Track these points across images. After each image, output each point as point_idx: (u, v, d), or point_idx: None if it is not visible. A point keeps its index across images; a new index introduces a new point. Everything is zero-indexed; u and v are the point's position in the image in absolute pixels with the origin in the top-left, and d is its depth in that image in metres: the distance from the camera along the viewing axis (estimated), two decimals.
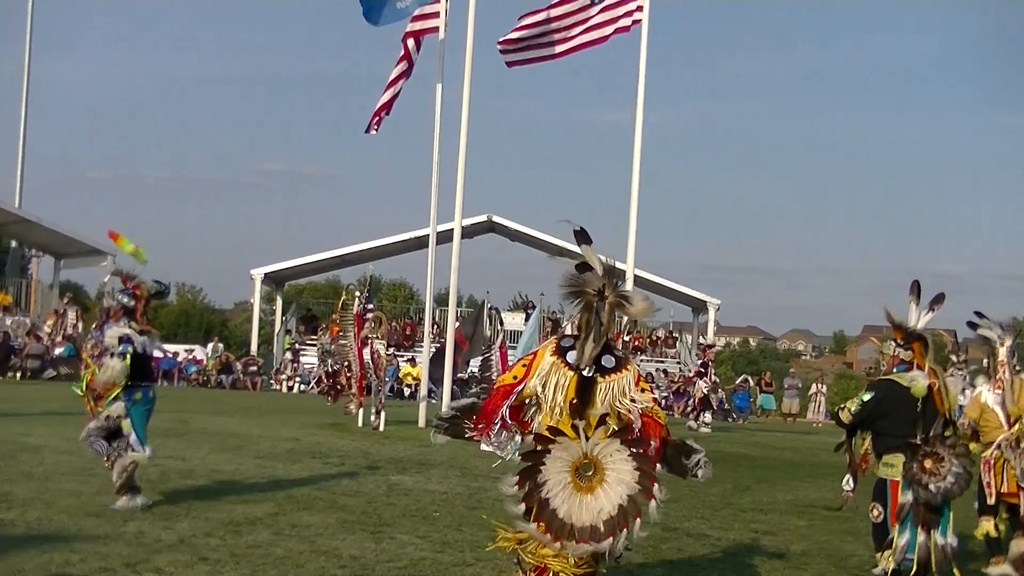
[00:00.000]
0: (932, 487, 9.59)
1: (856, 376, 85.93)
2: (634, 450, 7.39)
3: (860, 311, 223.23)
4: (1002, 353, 11.40)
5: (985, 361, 11.75)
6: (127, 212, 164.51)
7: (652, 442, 7.65)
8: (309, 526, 11.60)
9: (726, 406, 45.65)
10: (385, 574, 9.55)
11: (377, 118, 26.57)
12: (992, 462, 11.27)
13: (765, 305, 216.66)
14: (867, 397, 10.14)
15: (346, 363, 24.95)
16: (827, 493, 17.41)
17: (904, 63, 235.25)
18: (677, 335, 54.42)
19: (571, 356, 7.67)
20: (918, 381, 9.95)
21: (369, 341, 24.58)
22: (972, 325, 11.61)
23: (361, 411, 24.52)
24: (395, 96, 26.38)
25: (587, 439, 7.29)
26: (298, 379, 47.50)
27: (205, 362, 48.66)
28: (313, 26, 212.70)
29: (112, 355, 12.52)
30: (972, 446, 11.13)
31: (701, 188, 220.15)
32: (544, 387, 7.61)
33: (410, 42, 26.16)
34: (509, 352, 25.82)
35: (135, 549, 9.96)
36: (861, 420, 10.23)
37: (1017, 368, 11.55)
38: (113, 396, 12.69)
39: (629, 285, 25.57)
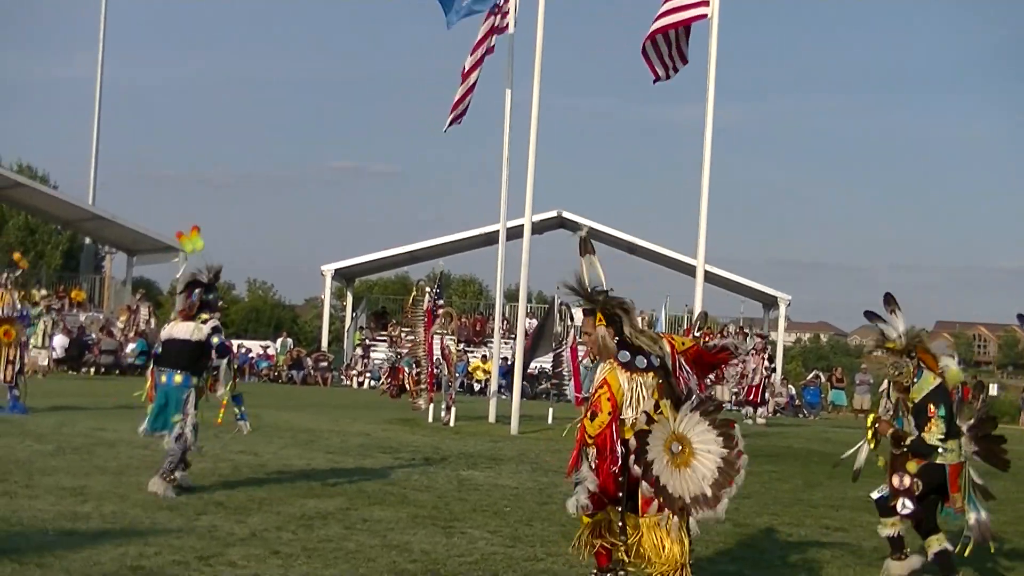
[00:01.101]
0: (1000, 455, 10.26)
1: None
2: (713, 417, 8.13)
3: (932, 306, 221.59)
4: None
5: None
6: (198, 209, 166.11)
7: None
8: (380, 521, 11.63)
9: (797, 402, 45.40)
10: (456, 569, 9.56)
11: (455, 117, 26.51)
12: None
13: (836, 301, 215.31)
14: (943, 412, 10.15)
15: (415, 359, 24.98)
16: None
17: (977, 57, 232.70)
18: (748, 330, 54.20)
19: (640, 361, 8.38)
20: (951, 367, 10.40)
21: (439, 337, 24.64)
22: None
23: (431, 407, 24.56)
24: (470, 91, 26.29)
25: (673, 419, 8.09)
26: (368, 375, 47.65)
27: (275, 358, 48.93)
28: (381, 25, 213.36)
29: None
30: None
31: (772, 183, 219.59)
32: (632, 403, 8.33)
33: (481, 30, 26.06)
34: (580, 349, 25.80)
35: (208, 543, 10.02)
36: (948, 426, 10.18)
37: None
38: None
39: (699, 280, 25.52)
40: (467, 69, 26.18)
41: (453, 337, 25.67)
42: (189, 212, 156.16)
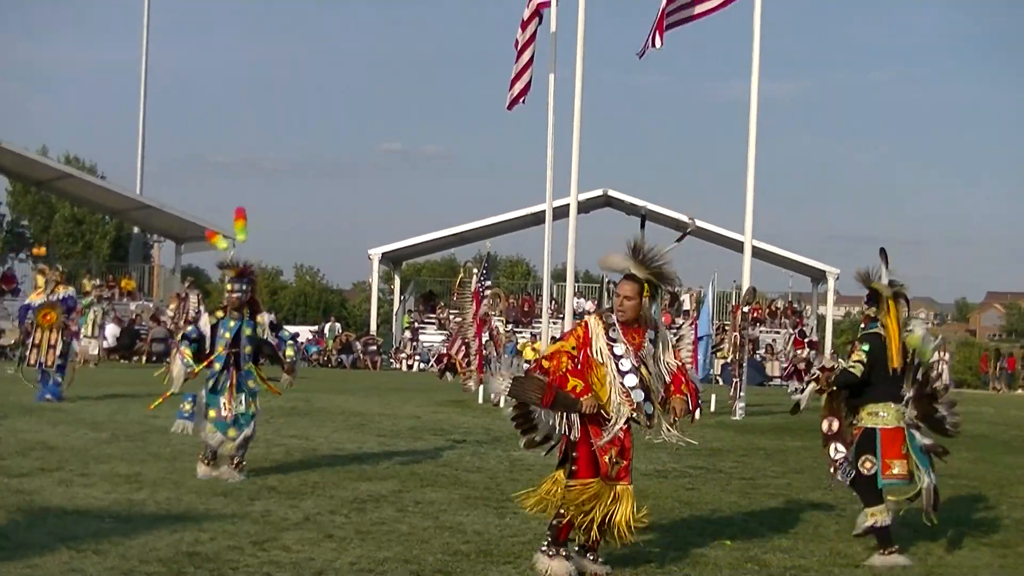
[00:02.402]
0: (948, 425, 10.33)
1: (979, 343, 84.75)
2: None
3: (983, 278, 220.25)
4: None
5: None
6: (245, 195, 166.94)
7: None
8: (433, 502, 11.66)
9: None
10: (509, 549, 9.56)
11: (518, 95, 26.44)
12: None
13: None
14: (867, 347, 10.20)
15: (464, 340, 24.99)
16: (955, 463, 17.12)
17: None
18: (798, 305, 53.99)
19: None
20: (915, 332, 10.32)
21: (488, 318, 24.65)
22: None
23: (482, 388, 24.57)
24: (527, 67, 26.18)
25: None
26: (417, 357, 47.77)
27: (325, 342, 49.11)
28: (426, 5, 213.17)
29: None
30: None
31: (820, 158, 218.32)
32: None
33: (530, 4, 25.97)
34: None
35: (262, 527, 10.07)
36: (867, 370, 10.18)
37: None
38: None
39: (747, 256, 25.43)
40: (521, 45, 26.10)
41: (501, 318, 25.69)
42: (236, 199, 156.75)
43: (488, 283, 25.30)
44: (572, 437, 8.74)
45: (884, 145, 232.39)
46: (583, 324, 8.99)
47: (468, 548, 9.55)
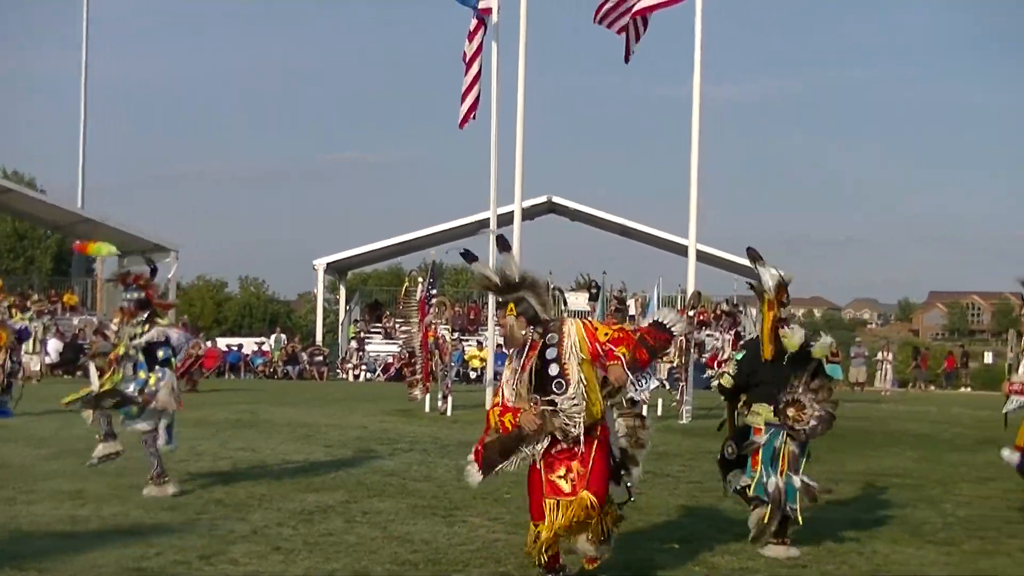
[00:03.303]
0: (798, 427, 10.21)
1: (923, 343, 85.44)
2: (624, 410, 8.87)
3: (925, 279, 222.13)
4: None
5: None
6: (189, 208, 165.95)
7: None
8: (381, 512, 11.64)
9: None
10: (458, 557, 9.56)
11: (471, 112, 26.35)
12: None
13: (830, 275, 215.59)
14: (739, 357, 10.68)
15: (410, 349, 24.96)
16: (899, 461, 17.33)
17: (957, 31, 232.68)
18: (741, 308, 54.17)
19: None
20: (795, 336, 10.35)
21: (434, 326, 24.63)
22: None
23: (428, 397, 24.55)
24: (476, 80, 26.11)
25: None
26: (364, 367, 47.66)
27: (271, 354, 48.95)
28: (370, 15, 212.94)
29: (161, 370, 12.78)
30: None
31: (763, 160, 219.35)
32: None
33: (472, 22, 25.93)
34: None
35: (209, 541, 10.02)
36: (741, 378, 10.52)
37: None
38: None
39: (691, 260, 25.51)
40: (469, 57, 26.04)
41: (447, 326, 25.67)
42: (181, 212, 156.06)
43: (434, 292, 25.27)
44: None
45: (825, 148, 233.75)
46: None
47: (416, 558, 9.55)
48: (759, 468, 10.26)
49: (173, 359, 12.91)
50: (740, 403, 10.73)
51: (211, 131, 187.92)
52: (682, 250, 32.38)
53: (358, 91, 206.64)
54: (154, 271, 13.63)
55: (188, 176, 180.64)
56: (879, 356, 47.82)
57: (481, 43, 25.84)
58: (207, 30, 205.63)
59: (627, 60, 25.20)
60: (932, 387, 52.03)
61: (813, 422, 10.27)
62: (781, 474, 10.27)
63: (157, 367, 12.82)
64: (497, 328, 8.97)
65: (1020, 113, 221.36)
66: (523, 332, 8.60)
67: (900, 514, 12.45)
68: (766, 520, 10.14)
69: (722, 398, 10.90)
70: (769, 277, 10.58)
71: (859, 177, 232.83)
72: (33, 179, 75.62)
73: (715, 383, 10.71)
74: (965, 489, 14.26)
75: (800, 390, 10.23)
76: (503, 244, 9.24)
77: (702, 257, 34.77)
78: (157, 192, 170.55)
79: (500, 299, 8.81)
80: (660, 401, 25.18)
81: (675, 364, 26.89)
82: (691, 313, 24.96)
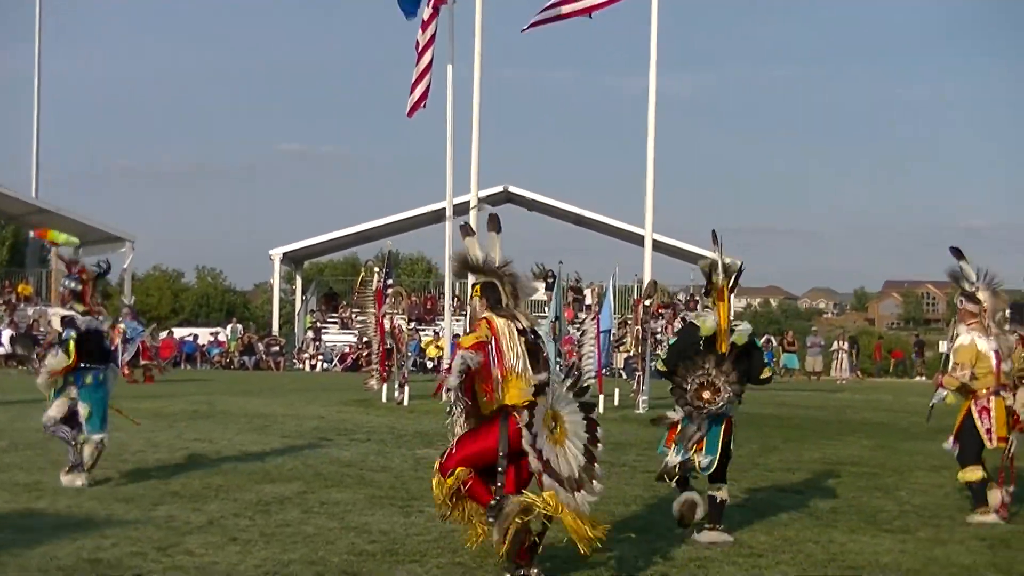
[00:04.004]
0: (705, 409, 10.24)
1: (878, 332, 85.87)
2: (580, 399, 8.36)
3: (881, 268, 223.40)
4: (985, 300, 11.62)
5: (960, 303, 11.91)
6: (145, 199, 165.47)
7: None
8: (338, 503, 11.62)
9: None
10: (415, 547, 9.56)
11: (418, 101, 26.35)
12: (991, 408, 11.59)
13: (786, 265, 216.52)
14: (672, 341, 10.88)
15: (365, 339, 24.92)
16: (855, 450, 17.42)
17: (919, 22, 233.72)
18: (699, 298, 54.34)
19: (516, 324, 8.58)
20: (707, 320, 10.46)
21: (390, 316, 24.60)
22: (957, 255, 11.85)
23: (385, 387, 24.52)
24: (426, 71, 26.11)
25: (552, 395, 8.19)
26: (321, 357, 47.60)
27: (227, 344, 48.81)
28: (326, 6, 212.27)
29: (56, 345, 12.72)
30: (950, 397, 11.92)
31: (720, 152, 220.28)
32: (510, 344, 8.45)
33: (426, 12, 25.92)
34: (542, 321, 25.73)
35: (165, 533, 9.99)
36: (672, 363, 10.53)
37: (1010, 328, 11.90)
38: (63, 382, 12.84)
39: (648, 250, 25.57)
40: (421, 47, 26.03)
41: (404, 316, 25.63)
42: (137, 203, 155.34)
43: (390, 282, 25.24)
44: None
45: (784, 139, 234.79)
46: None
47: (374, 548, 9.54)
48: (672, 445, 10.44)
49: (71, 342, 12.80)
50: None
51: (167, 123, 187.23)
52: (639, 240, 32.42)
53: (316, 81, 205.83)
54: (102, 274, 13.49)
55: (144, 167, 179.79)
56: (835, 345, 48.07)
57: (434, 33, 25.87)
58: (160, 23, 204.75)
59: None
60: (869, 377, 52.20)
61: (721, 403, 10.28)
62: (695, 453, 10.36)
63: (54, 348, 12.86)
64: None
65: (966, 106, 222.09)
66: (483, 315, 8.65)
67: (856, 503, 12.52)
68: (688, 505, 10.32)
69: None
70: (721, 267, 10.72)
71: (811, 170, 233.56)
72: None
73: (627, 355, 10.91)
74: (920, 477, 14.35)
75: (713, 373, 10.28)
76: (495, 224, 9.23)
77: (658, 247, 34.90)
78: (112, 183, 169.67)
79: (473, 278, 8.92)
80: (617, 391, 25.23)
81: (632, 354, 26.95)
82: (647, 303, 25.00)
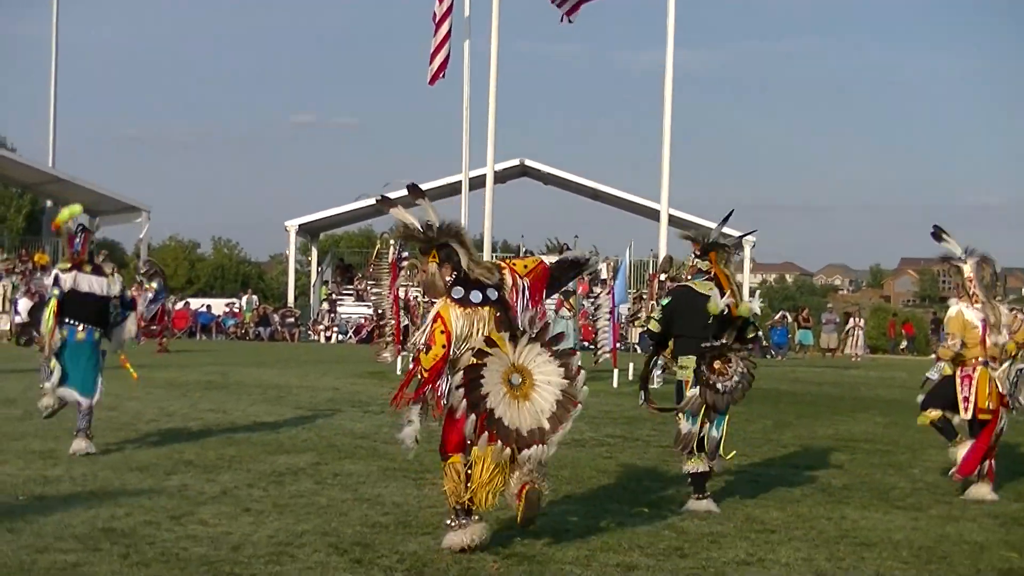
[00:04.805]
0: (719, 386, 10.37)
1: (893, 309, 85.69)
2: (553, 347, 8.42)
3: (897, 245, 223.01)
4: (968, 271, 11.67)
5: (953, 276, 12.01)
6: (160, 168, 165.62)
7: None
8: (351, 474, 11.64)
9: (764, 343, 45.55)
10: (428, 519, 9.57)
11: (440, 70, 26.28)
12: (975, 378, 11.62)
13: (801, 241, 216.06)
14: (665, 303, 10.84)
15: (380, 311, 24.93)
16: (868, 427, 17.40)
17: None
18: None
19: (475, 296, 8.62)
20: (717, 302, 10.48)
21: (405, 289, 24.60)
22: (937, 236, 11.84)
23: (399, 359, 24.53)
24: (445, 40, 26.03)
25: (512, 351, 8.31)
26: (335, 329, 47.63)
27: (242, 315, 48.87)
28: None
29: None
30: (947, 367, 12.07)
31: (737, 126, 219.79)
32: (465, 338, 8.52)
33: None
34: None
35: (179, 502, 10.02)
36: (664, 324, 10.70)
37: (997, 296, 11.88)
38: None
39: (663, 224, 25.53)
40: (439, 17, 25.96)
41: (419, 289, 25.59)
42: (151, 172, 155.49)
43: (405, 254, 25.22)
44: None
45: (799, 113, 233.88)
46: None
47: (387, 520, 9.56)
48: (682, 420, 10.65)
49: (53, 299, 12.95)
50: (667, 352, 10.96)
51: (184, 92, 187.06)
52: (655, 214, 32.40)
53: (330, 52, 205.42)
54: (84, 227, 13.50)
55: (161, 137, 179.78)
56: (850, 322, 47.97)
57: (452, 3, 25.80)
58: None
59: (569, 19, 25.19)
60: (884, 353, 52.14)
61: (736, 378, 10.42)
62: (703, 425, 10.55)
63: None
64: (418, 275, 8.97)
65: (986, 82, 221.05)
66: (447, 280, 8.67)
67: (869, 479, 12.52)
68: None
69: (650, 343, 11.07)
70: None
71: (826, 145, 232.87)
72: (3, 138, 75.23)
73: (642, 329, 10.91)
74: (933, 455, 14.31)
75: (727, 344, 10.44)
76: (418, 192, 9.27)
77: (674, 222, 34.74)
78: (129, 152, 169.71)
79: (423, 247, 8.89)
80: (632, 365, 25.21)
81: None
82: (663, 277, 24.97)
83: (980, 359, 11.61)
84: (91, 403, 12.89)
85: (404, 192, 9.27)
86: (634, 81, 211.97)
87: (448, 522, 8.65)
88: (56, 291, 12.95)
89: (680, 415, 10.63)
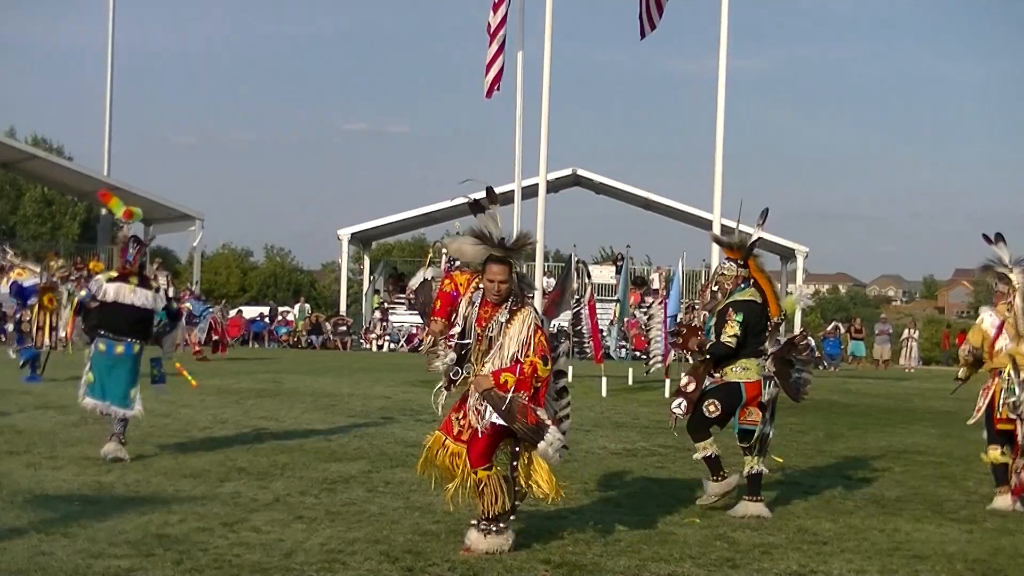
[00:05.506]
0: (800, 390, 10.96)
1: (947, 320, 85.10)
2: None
3: (950, 255, 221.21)
4: (1017, 280, 11.55)
5: (994, 285, 11.89)
6: (213, 176, 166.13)
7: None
8: (403, 483, 11.67)
9: (817, 353, 45.30)
10: None
11: (496, 82, 26.27)
12: (991, 387, 11.74)
13: (855, 251, 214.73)
14: (740, 318, 10.71)
15: None
16: (921, 438, 17.30)
17: None
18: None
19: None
20: (790, 298, 11.20)
21: None
22: (991, 240, 11.75)
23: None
24: (500, 50, 26.00)
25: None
26: (387, 338, 47.74)
27: (294, 323, 49.07)
28: None
29: None
30: (962, 371, 12.64)
31: (787, 134, 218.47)
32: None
33: None
34: (598, 305, 25.74)
35: (232, 509, 10.07)
36: (741, 340, 10.70)
37: None
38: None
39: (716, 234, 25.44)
40: (494, 28, 25.94)
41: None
42: (204, 180, 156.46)
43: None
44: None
45: (851, 121, 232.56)
46: (467, 276, 9.08)
47: (438, 528, 9.58)
48: (756, 410, 10.85)
49: (75, 298, 13.27)
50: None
51: (238, 99, 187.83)
52: (706, 224, 32.29)
53: (383, 60, 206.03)
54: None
55: (214, 145, 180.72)
56: (904, 334, 47.65)
57: (506, 14, 25.77)
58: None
59: (642, 36, 25.07)
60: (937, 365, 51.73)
61: (806, 375, 11.03)
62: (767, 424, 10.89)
63: None
64: (483, 283, 9.03)
65: None
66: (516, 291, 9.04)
67: (922, 491, 12.45)
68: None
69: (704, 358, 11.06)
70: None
71: (878, 154, 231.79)
72: (61, 147, 75.89)
73: (712, 349, 10.81)
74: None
75: (793, 353, 10.98)
76: (492, 196, 9.43)
77: (727, 232, 34.65)
78: (183, 161, 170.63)
79: (499, 255, 9.07)
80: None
81: None
82: (714, 288, 24.91)
83: (998, 368, 11.59)
84: (126, 414, 12.96)
85: (483, 194, 9.36)
86: (687, 89, 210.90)
87: (482, 526, 8.85)
88: (84, 293, 13.12)
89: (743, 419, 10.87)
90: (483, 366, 8.91)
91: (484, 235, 9.04)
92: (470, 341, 9.08)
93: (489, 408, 8.78)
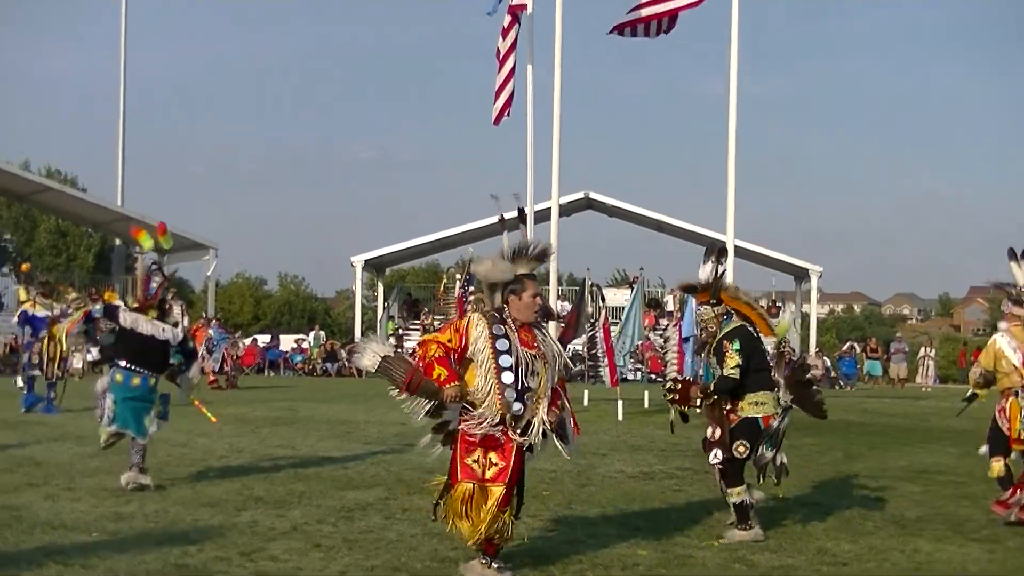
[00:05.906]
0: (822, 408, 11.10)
1: (963, 338, 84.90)
2: None
3: (965, 273, 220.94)
4: None
5: (1006, 306, 11.92)
6: (226, 205, 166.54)
7: None
8: (420, 509, 11.63)
9: (832, 373, 45.21)
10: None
11: (505, 108, 26.32)
12: (1008, 408, 11.82)
13: (869, 270, 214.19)
14: (738, 346, 10.62)
15: None
16: (941, 458, 17.23)
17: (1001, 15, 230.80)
18: (780, 304, 54.07)
19: None
20: (783, 320, 11.13)
21: None
22: (1013, 256, 11.78)
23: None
24: (510, 77, 26.07)
25: None
26: None
27: (309, 351, 49.10)
28: (401, 9, 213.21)
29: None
30: (981, 393, 12.62)
31: (799, 154, 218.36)
32: None
33: (506, 19, 25.94)
34: (612, 328, 25.72)
35: (250, 538, 10.06)
36: (744, 367, 10.60)
37: None
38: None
39: (730, 256, 25.42)
40: (502, 55, 26.01)
41: None
42: (217, 208, 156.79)
43: (471, 288, 25.25)
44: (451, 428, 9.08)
45: (860, 139, 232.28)
46: (466, 318, 8.96)
47: (456, 554, 9.56)
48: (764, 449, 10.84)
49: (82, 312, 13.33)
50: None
51: (250, 130, 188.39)
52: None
53: (394, 87, 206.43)
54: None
55: (227, 174, 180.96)
56: (921, 352, 47.53)
57: (515, 40, 25.85)
58: (240, 25, 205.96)
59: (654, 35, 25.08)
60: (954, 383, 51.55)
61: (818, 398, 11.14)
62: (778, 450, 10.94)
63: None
64: (529, 301, 8.97)
65: None
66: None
67: (942, 511, 12.39)
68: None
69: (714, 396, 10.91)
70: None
71: (891, 172, 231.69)
72: (75, 177, 76.15)
73: (719, 385, 10.72)
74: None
75: (802, 375, 11.13)
76: (523, 216, 9.49)
77: (740, 253, 34.68)
78: (196, 190, 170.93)
79: (527, 271, 9.14)
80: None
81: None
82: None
83: (1013, 388, 11.59)
84: (144, 442, 13.01)
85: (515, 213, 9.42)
86: (696, 110, 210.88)
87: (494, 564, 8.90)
88: (97, 306, 13.22)
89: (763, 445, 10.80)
90: (541, 396, 8.81)
91: (517, 250, 8.96)
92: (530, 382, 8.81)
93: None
